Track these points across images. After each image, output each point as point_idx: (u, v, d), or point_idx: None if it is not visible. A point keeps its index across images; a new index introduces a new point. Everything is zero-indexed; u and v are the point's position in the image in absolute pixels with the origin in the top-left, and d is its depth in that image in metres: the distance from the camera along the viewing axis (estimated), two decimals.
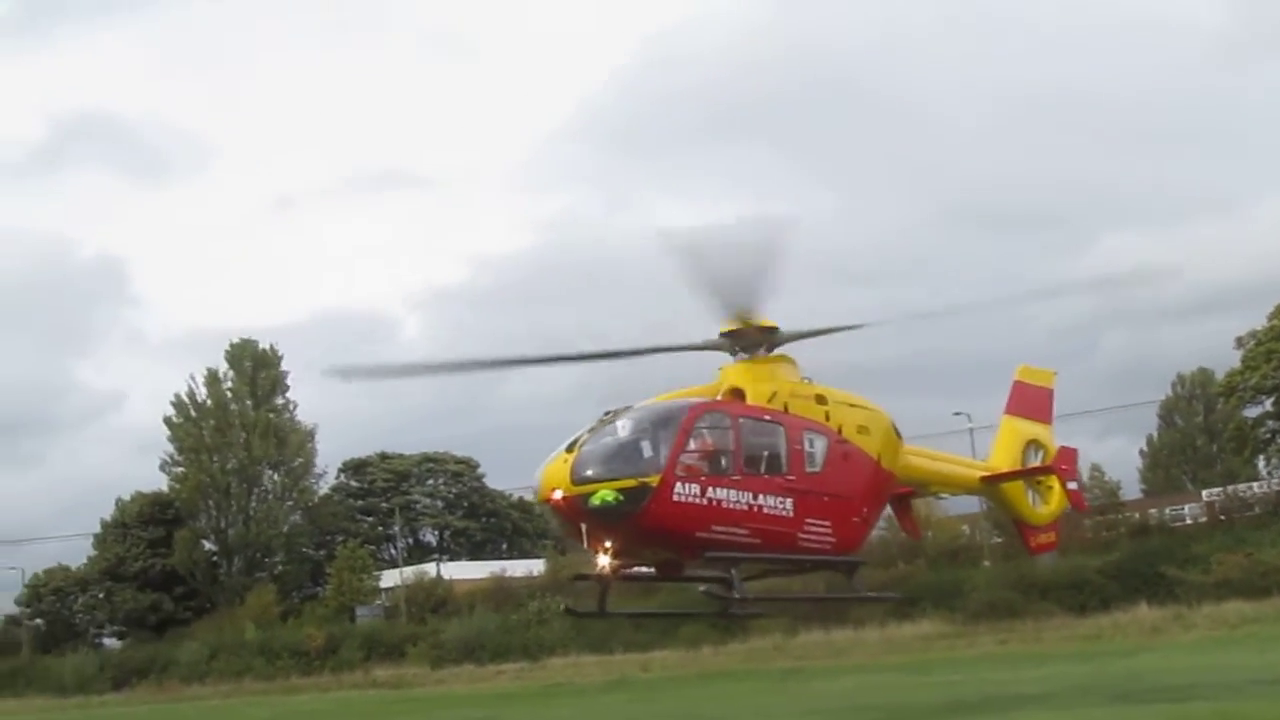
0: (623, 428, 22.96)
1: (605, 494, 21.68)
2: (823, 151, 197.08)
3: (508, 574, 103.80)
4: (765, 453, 23.67)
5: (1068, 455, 30.83)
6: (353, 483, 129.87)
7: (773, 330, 25.00)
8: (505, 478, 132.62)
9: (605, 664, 75.13)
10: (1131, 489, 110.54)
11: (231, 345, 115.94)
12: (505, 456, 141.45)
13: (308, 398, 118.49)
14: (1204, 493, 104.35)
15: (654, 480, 22.03)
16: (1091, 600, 74.25)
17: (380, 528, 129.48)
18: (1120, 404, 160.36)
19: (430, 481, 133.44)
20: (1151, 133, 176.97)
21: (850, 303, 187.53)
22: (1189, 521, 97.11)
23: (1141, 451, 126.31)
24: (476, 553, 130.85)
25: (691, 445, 22.79)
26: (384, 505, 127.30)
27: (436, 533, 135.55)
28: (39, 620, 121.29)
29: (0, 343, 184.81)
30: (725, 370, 25.17)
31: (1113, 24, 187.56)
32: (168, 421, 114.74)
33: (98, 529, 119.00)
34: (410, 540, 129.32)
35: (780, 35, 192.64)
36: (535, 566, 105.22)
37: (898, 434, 26.57)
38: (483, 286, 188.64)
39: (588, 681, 66.66)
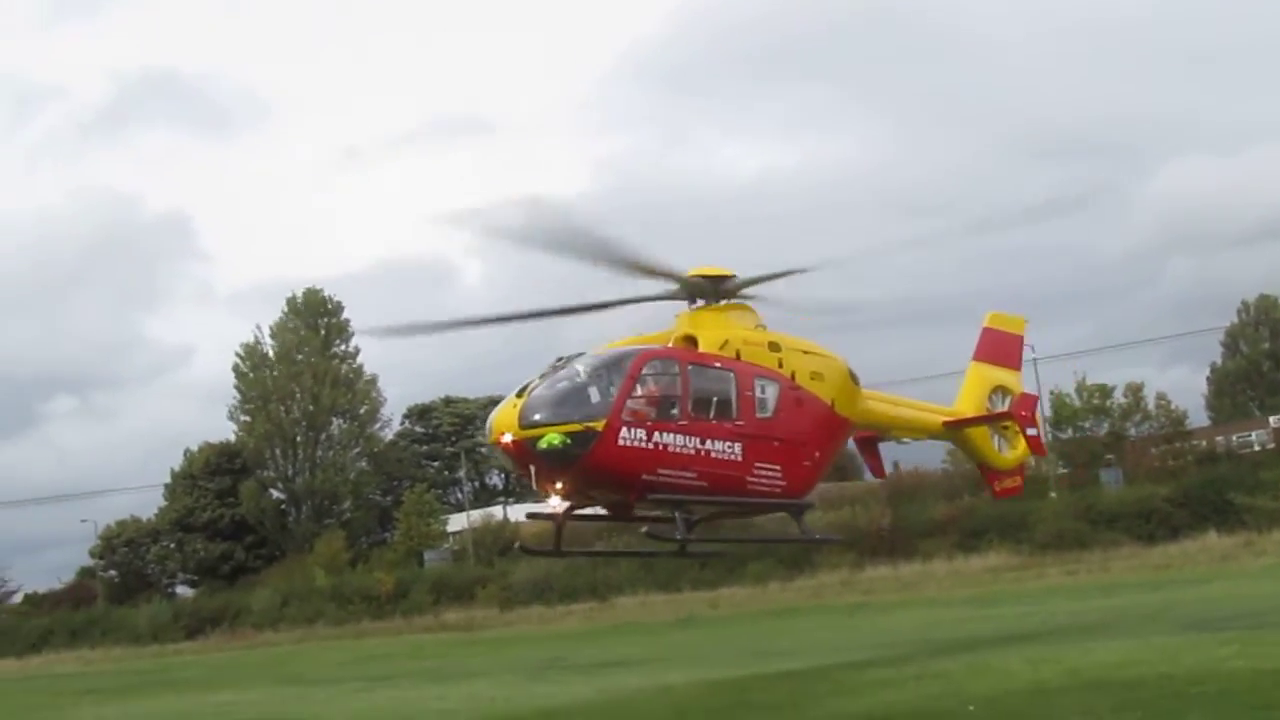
0: (571, 374, 23.44)
1: (552, 437, 22.20)
2: (880, 86, 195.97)
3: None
4: (714, 398, 24.12)
5: (1027, 402, 31.43)
6: (418, 428, 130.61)
7: (725, 279, 25.46)
8: None
9: (674, 602, 75.40)
10: (1198, 417, 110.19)
11: (296, 295, 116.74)
12: None
13: (372, 345, 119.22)
14: (1271, 419, 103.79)
15: (599, 425, 22.52)
16: (1160, 529, 74.08)
17: (446, 472, 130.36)
18: (1185, 331, 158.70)
19: None
20: (1212, 54, 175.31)
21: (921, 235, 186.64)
22: (1256, 448, 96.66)
23: (1207, 379, 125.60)
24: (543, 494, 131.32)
25: (638, 391, 23.31)
26: (449, 450, 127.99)
27: (502, 476, 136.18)
28: (113, 571, 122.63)
29: (71, 300, 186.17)
30: (680, 318, 25.72)
31: None
32: (235, 370, 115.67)
33: (168, 481, 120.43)
34: (476, 484, 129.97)
35: None
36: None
37: (855, 380, 27.09)
38: (540, 228, 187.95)
39: (657, 620, 66.87)
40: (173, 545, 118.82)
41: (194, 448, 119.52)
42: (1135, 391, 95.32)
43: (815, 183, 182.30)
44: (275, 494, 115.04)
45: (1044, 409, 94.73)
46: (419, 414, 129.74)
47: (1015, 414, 30.72)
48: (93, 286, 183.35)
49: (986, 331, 32.40)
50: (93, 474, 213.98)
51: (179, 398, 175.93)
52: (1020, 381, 32.18)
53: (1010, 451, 31.32)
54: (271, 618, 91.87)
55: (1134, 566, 64.53)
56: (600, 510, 26.83)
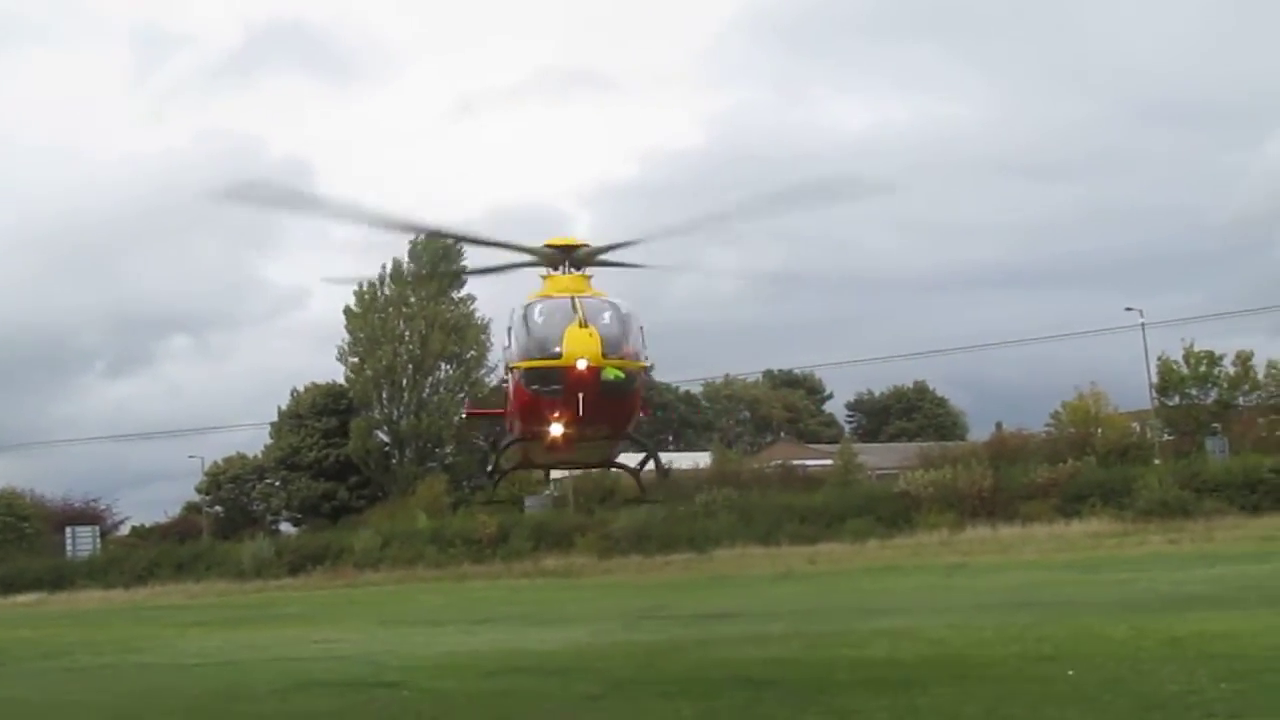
0: (606, 314, 24.08)
1: (616, 372, 22.95)
2: (990, 46, 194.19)
3: (674, 466, 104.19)
4: None
5: None
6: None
7: (573, 249, 25.82)
8: (671, 371, 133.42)
9: (772, 556, 75.39)
10: None
11: (414, 240, 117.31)
12: (671, 350, 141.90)
13: (484, 290, 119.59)
14: None
15: (643, 367, 24.40)
16: (1265, 500, 73.14)
17: None
18: None
19: None
20: None
21: (1033, 197, 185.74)
22: None
23: None
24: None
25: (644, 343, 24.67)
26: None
27: None
28: (218, 507, 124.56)
29: (192, 241, 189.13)
30: (554, 279, 25.78)
31: None
32: (346, 312, 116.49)
33: (274, 420, 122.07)
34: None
35: None
36: (701, 459, 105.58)
37: None
38: (654, 182, 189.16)
39: (755, 573, 67.02)
40: (277, 483, 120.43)
41: (301, 388, 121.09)
42: (1244, 360, 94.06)
43: (926, 140, 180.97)
44: (380, 436, 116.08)
45: (1150, 375, 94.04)
46: None
47: None
48: (214, 229, 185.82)
49: None
50: (203, 411, 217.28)
51: (292, 339, 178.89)
52: None
53: None
54: (373, 558, 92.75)
55: (1238, 537, 63.78)
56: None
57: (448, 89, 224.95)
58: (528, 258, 26.01)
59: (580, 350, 22.91)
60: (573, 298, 23.99)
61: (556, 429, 23.93)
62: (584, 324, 23.21)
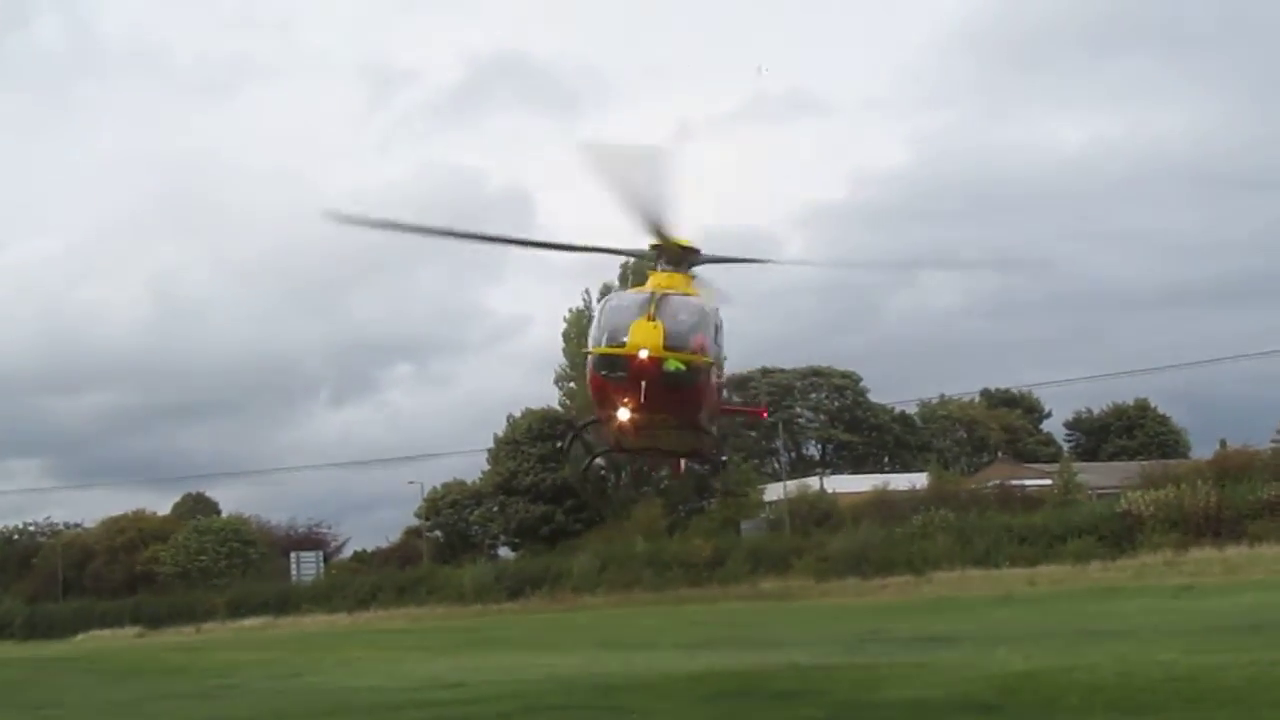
0: (680, 311, 25.64)
1: (678, 364, 24.37)
2: (1205, 57, 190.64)
3: (890, 487, 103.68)
4: None
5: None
6: (735, 398, 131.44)
7: (693, 251, 27.46)
8: (887, 391, 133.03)
9: (990, 578, 74.61)
10: None
11: (626, 264, 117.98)
12: (886, 370, 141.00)
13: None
14: None
15: (707, 362, 25.43)
16: None
17: (763, 442, 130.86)
18: None
19: (813, 395, 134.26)
20: None
21: (1252, 207, 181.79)
22: None
23: None
24: (859, 466, 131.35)
25: (719, 340, 26.45)
26: (767, 420, 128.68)
27: (819, 446, 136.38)
28: (437, 532, 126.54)
29: (419, 270, 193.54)
30: (656, 276, 27.39)
31: None
32: (564, 336, 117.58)
33: (491, 446, 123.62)
34: (793, 454, 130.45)
35: None
36: (918, 480, 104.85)
37: None
38: (863, 203, 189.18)
39: (974, 595, 66.31)
40: (495, 508, 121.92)
41: (518, 413, 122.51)
42: None
43: (1141, 155, 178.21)
44: (599, 461, 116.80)
45: None
46: (737, 384, 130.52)
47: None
48: (440, 258, 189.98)
49: None
50: (423, 438, 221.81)
51: (511, 366, 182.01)
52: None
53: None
54: (590, 581, 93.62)
55: None
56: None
57: (668, 117, 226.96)
58: (644, 248, 27.83)
59: (642, 340, 24.48)
60: (653, 292, 25.10)
61: (623, 414, 25.42)
62: (652, 318, 24.76)
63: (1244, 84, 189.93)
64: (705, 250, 28.18)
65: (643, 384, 24.60)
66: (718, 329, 26.43)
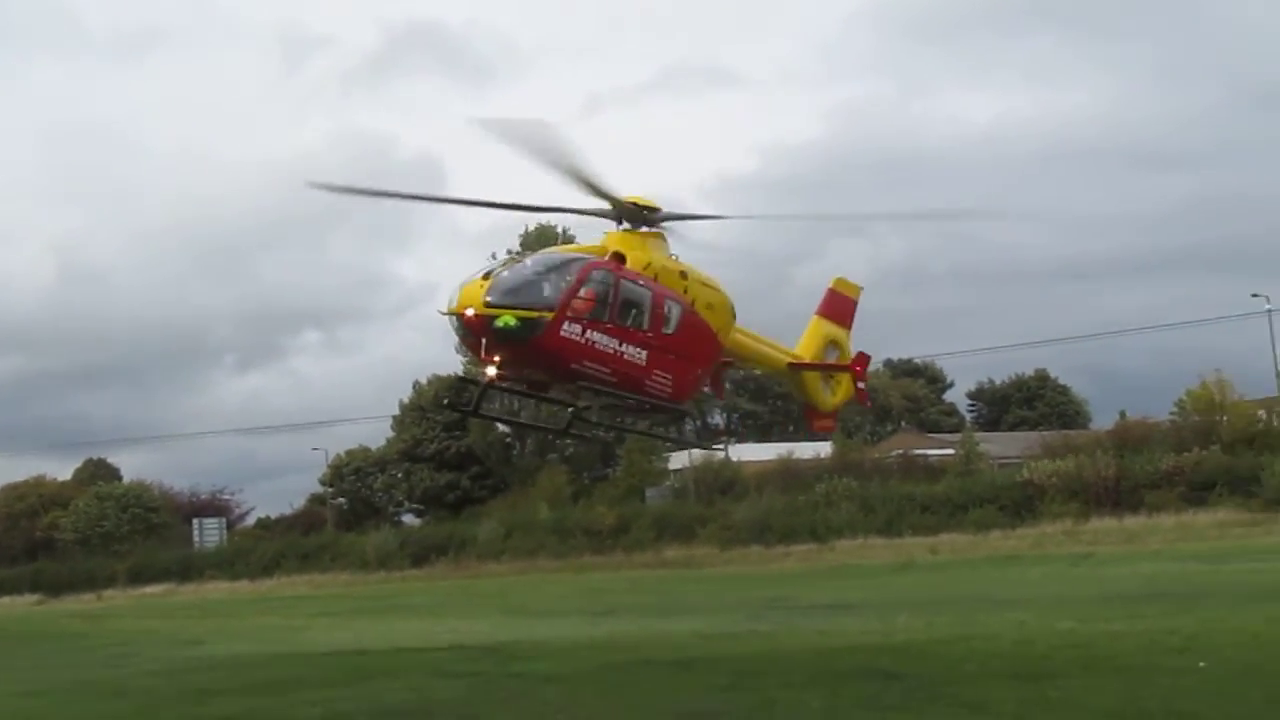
0: (528, 268, 26.32)
1: (508, 318, 24.81)
2: (1110, 36, 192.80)
3: (795, 456, 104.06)
4: (634, 310, 27.03)
5: (863, 359, 35.10)
6: None
7: (654, 210, 28.18)
8: None
9: (893, 546, 75.31)
10: None
11: (527, 232, 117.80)
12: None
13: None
14: None
15: (548, 315, 25.21)
16: None
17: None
18: None
19: None
20: None
21: (1154, 185, 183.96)
22: None
23: None
24: (764, 434, 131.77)
25: (581, 292, 25.96)
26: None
27: (724, 415, 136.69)
28: (341, 499, 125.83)
29: (328, 238, 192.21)
30: (609, 235, 28.12)
31: None
32: None
33: (396, 413, 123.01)
34: (699, 423, 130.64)
35: None
36: (822, 449, 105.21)
37: (733, 315, 30.04)
38: (774, 176, 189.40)
39: (877, 563, 66.89)
40: (400, 475, 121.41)
41: (424, 381, 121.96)
42: None
43: (1047, 130, 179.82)
44: (501, 427, 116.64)
45: (1276, 362, 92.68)
46: None
47: (853, 368, 34.44)
48: (347, 225, 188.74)
49: (831, 292, 35.41)
50: (329, 405, 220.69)
51: (418, 333, 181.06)
52: (850, 339, 35.14)
53: (832, 398, 34.52)
54: (495, 549, 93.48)
55: None
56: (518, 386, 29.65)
57: (577, 89, 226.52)
58: (604, 207, 27.78)
59: (465, 300, 25.06)
60: (514, 252, 25.86)
61: (489, 370, 26.06)
62: (489, 276, 25.33)
63: (1144, 65, 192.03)
64: (666, 209, 28.64)
65: (482, 341, 25.23)
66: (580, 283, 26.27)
